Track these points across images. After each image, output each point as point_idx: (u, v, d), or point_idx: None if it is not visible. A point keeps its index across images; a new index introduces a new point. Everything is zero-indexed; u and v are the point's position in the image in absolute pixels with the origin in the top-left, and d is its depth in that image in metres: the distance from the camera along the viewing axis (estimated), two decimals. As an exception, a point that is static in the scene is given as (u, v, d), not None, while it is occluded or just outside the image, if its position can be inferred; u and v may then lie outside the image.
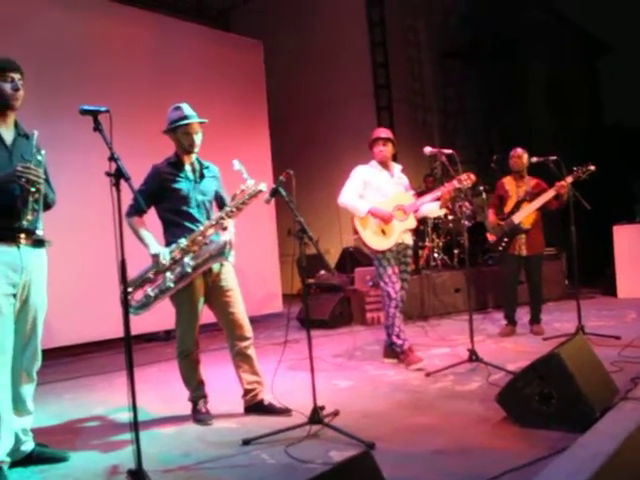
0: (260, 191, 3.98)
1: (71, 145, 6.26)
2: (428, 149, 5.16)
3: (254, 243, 7.93)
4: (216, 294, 4.04)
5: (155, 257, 3.84)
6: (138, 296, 3.89)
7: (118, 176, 2.75)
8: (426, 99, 12.79)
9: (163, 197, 3.97)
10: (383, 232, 5.18)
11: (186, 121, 3.99)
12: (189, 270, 3.83)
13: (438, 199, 5.21)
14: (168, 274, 3.84)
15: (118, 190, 2.75)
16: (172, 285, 3.83)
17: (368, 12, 10.99)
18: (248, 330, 4.08)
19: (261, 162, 8.71)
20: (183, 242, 3.87)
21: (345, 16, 11.08)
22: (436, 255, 9.10)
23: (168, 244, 3.96)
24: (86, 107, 2.87)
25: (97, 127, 2.84)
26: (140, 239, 3.90)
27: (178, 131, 4.00)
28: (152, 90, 7.45)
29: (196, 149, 4.03)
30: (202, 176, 4.09)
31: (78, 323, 6.63)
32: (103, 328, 6.66)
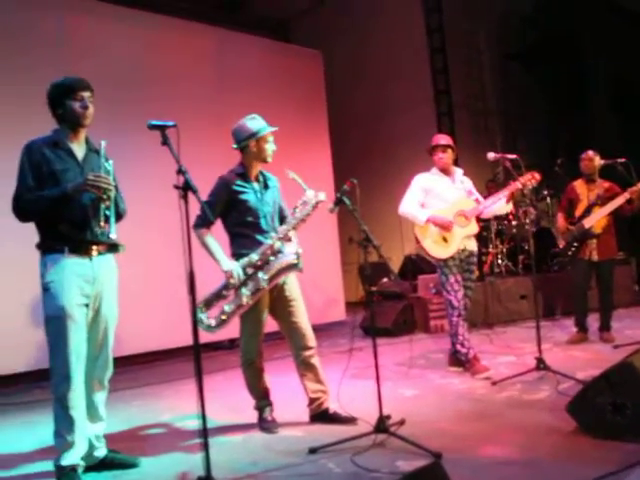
0: (320, 201, 4.01)
1: (137, 156, 6.41)
2: (492, 155, 5.10)
3: (316, 251, 7.95)
4: (280, 304, 4.07)
5: (228, 273, 3.89)
6: (214, 313, 3.93)
7: (186, 189, 2.81)
8: (487, 103, 12.63)
9: (231, 208, 4.02)
10: (444, 240, 5.13)
11: (271, 128, 4.04)
12: (264, 285, 3.87)
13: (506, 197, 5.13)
14: (243, 290, 3.87)
15: (186, 202, 2.81)
16: (249, 301, 3.88)
17: (427, 18, 10.93)
18: (311, 339, 4.10)
19: (322, 171, 8.77)
20: (254, 257, 3.91)
21: (404, 23, 11.04)
22: (500, 261, 8.96)
23: (235, 256, 4.00)
24: (154, 122, 2.95)
25: (165, 141, 2.91)
26: (210, 253, 3.94)
27: (262, 139, 4.04)
28: (215, 102, 7.60)
29: (271, 158, 4.09)
30: (266, 187, 4.14)
31: (146, 332, 6.78)
32: (170, 337, 6.79)
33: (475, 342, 5.58)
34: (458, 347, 5.19)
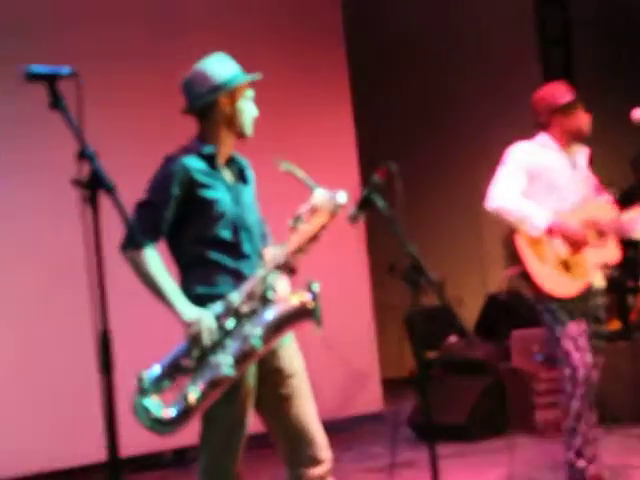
0: (340, 206, 4.00)
1: (5, 130, 6.48)
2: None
3: (331, 289, 7.94)
4: (268, 385, 4.06)
5: (193, 328, 3.83)
6: (169, 401, 3.85)
7: (94, 185, 2.81)
8: (629, 22, 12.69)
9: (189, 215, 3.97)
10: (566, 266, 5.11)
11: (250, 76, 4.06)
12: (256, 345, 3.82)
13: None
14: (220, 356, 3.83)
15: (95, 209, 2.81)
16: (232, 372, 3.80)
17: None
18: (322, 447, 4.07)
19: (338, 146, 8.77)
20: (234, 299, 3.86)
21: None
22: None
23: (196, 299, 3.91)
24: (37, 69, 2.96)
25: (56, 102, 2.92)
26: (157, 292, 3.86)
27: (238, 96, 4.04)
28: (151, 32, 7.67)
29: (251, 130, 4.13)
30: (244, 179, 4.16)
31: (28, 443, 6.77)
32: (70, 450, 6.80)
33: (614, 449, 5.57)
34: (571, 457, 5.14)
